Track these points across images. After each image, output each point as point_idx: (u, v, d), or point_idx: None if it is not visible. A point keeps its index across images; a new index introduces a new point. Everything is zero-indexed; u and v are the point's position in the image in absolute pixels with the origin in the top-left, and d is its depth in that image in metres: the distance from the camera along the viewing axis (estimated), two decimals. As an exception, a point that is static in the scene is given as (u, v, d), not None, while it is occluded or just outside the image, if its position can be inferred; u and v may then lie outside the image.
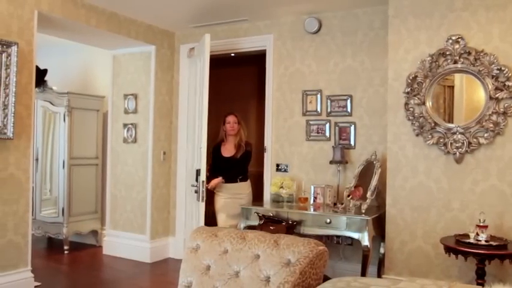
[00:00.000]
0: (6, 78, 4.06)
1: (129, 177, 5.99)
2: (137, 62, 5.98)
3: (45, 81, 6.34)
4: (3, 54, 4.04)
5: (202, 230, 2.62)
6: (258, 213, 4.51)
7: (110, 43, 5.79)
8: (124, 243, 5.96)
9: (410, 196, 4.25)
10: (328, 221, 4.24)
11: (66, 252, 6.14)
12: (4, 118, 4.07)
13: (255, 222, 4.51)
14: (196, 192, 4.87)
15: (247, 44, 5.61)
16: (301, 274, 2.06)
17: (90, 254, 6.20)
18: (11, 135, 4.13)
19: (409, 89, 4.24)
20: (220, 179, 4.99)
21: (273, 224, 4.30)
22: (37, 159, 6.38)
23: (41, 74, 6.06)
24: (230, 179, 5.03)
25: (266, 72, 5.51)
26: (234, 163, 5.04)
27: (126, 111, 6.01)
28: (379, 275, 4.44)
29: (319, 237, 4.27)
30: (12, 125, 4.12)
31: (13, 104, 4.11)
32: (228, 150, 5.11)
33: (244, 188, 5.08)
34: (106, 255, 6.08)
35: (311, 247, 2.23)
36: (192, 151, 5.39)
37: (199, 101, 5.14)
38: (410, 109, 4.24)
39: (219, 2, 4.88)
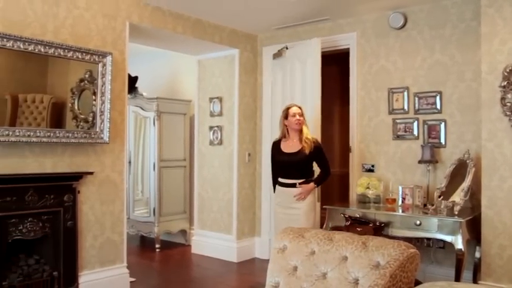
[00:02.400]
0: (102, 86, 4.34)
1: (216, 179, 6.15)
2: (221, 65, 6.13)
3: (136, 87, 6.69)
4: (99, 64, 4.31)
5: (289, 230, 2.63)
6: (344, 215, 4.44)
7: (195, 49, 5.98)
8: (211, 242, 6.13)
9: (510, 197, 3.97)
10: (418, 222, 4.08)
11: (157, 250, 6.43)
12: (101, 124, 4.35)
13: (341, 223, 4.45)
14: None
15: (330, 43, 5.55)
16: (392, 277, 2.00)
17: (179, 252, 6.44)
18: (107, 139, 4.41)
19: (505, 83, 3.97)
20: (312, 184, 4.26)
21: (360, 226, 4.21)
22: (130, 162, 6.73)
23: (132, 81, 6.40)
24: (287, 183, 4.30)
25: (350, 71, 5.41)
26: (296, 161, 4.25)
27: (212, 114, 6.18)
28: (475, 281, 4.20)
29: (408, 240, 4.11)
30: (107, 130, 4.39)
31: (108, 111, 4.38)
32: (289, 146, 4.32)
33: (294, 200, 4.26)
34: (194, 254, 6.28)
35: (401, 249, 2.16)
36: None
37: (310, 102, 5.22)
38: (507, 104, 3.97)
39: (302, 3, 4.87)
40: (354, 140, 5.34)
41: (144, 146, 6.83)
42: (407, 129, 4.95)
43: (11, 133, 3.75)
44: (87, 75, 4.27)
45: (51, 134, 4.01)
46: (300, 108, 4.37)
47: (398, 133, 5.02)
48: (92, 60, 4.26)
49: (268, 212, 5.95)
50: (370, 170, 5.18)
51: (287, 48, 5.74)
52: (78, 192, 4.28)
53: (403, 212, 4.35)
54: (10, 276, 3.79)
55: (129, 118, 6.50)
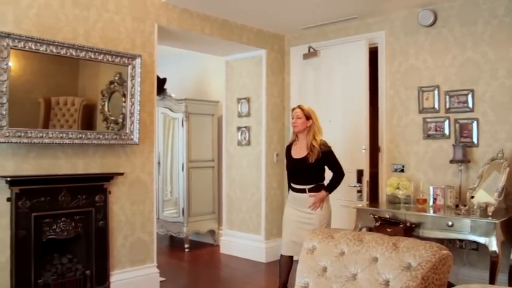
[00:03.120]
0: (131, 88, 4.40)
1: (244, 179, 6.17)
2: (249, 66, 6.15)
3: (164, 89, 6.76)
4: (129, 67, 4.38)
5: (318, 231, 2.61)
6: (373, 215, 4.38)
7: (223, 50, 6.01)
8: (240, 242, 6.15)
9: (545, 197, 3.86)
10: (450, 223, 4.00)
11: (186, 250, 6.48)
12: (131, 125, 4.41)
13: (371, 224, 4.40)
14: (359, 192, 5.16)
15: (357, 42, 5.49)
16: (424, 279, 1.97)
17: (208, 252, 6.48)
18: (137, 140, 4.47)
19: (540, 80, 3.85)
20: (323, 193, 4.10)
21: (390, 226, 4.15)
22: (159, 163, 6.81)
23: (160, 82, 6.47)
24: (297, 188, 4.16)
25: (378, 70, 5.35)
26: (303, 167, 4.10)
27: (240, 115, 6.20)
28: (510, 284, 4.08)
29: (440, 241, 4.02)
30: (137, 131, 4.45)
31: (138, 112, 4.44)
32: (297, 151, 4.18)
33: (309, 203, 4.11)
34: (223, 254, 6.32)
35: (433, 251, 2.12)
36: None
37: (355, 105, 5.27)
38: (543, 102, 3.85)
39: (330, 3, 4.84)
40: (383, 139, 5.28)
41: (172, 146, 6.90)
42: (438, 129, 4.86)
43: (44, 135, 3.84)
44: (116, 78, 4.35)
45: (83, 136, 4.09)
46: (302, 109, 4.15)
47: (429, 132, 4.93)
48: (121, 62, 4.33)
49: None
50: (401, 170, 5.10)
51: (312, 49, 5.72)
52: (109, 192, 4.35)
53: (434, 212, 4.27)
54: (45, 275, 3.88)
55: (158, 119, 6.58)
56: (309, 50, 5.78)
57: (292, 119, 4.23)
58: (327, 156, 4.09)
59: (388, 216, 4.32)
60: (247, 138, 6.11)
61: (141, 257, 4.67)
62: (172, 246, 6.91)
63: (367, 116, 5.22)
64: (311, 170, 4.06)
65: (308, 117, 4.11)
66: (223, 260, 6.07)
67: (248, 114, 6.11)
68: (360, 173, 5.19)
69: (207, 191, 6.78)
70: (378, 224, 4.28)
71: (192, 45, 5.80)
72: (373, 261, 2.28)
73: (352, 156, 5.22)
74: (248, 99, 6.11)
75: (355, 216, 4.64)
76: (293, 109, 4.28)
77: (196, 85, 7.27)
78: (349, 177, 4.91)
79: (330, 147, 4.14)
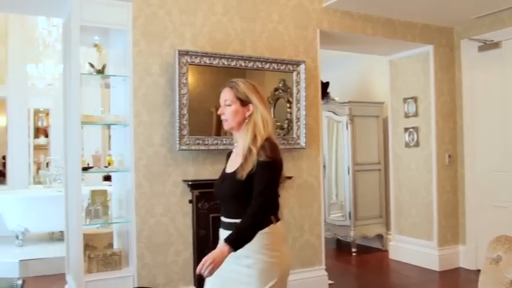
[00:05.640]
0: (297, 94, 4.54)
1: (413, 182, 5.89)
2: (414, 64, 5.86)
3: (327, 93, 6.81)
4: (293, 73, 4.52)
5: (503, 239, 2.37)
6: None
7: (386, 49, 5.84)
8: (410, 249, 5.87)
9: None
10: None
11: (354, 254, 6.41)
12: (297, 130, 4.54)
13: None
14: None
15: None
16: None
17: (376, 257, 6.32)
18: (304, 145, 4.59)
19: None
20: (220, 252, 2.14)
21: None
22: (324, 166, 6.86)
23: (324, 86, 6.52)
24: (224, 223, 2.41)
25: None
26: (229, 188, 2.37)
27: (407, 115, 5.94)
28: None
29: None
30: (304, 135, 4.57)
31: (304, 117, 4.56)
32: (232, 162, 2.45)
33: (249, 248, 2.22)
34: (392, 259, 6.09)
35: None
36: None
37: None
38: None
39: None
40: None
41: (337, 150, 6.91)
42: None
43: (219, 142, 4.16)
44: (281, 84, 4.53)
45: (253, 142, 4.32)
46: (234, 89, 2.37)
47: None
48: (286, 69, 4.49)
49: (474, 217, 5.48)
50: None
51: (486, 42, 5.21)
52: (279, 195, 4.50)
53: None
54: (222, 272, 4.17)
55: (322, 123, 6.66)
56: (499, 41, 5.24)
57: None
58: (258, 169, 2.25)
59: None
60: (415, 139, 5.83)
61: (310, 259, 4.75)
62: (339, 249, 6.89)
63: None
64: (241, 192, 2.29)
65: (244, 101, 2.35)
66: (392, 266, 5.86)
67: (416, 114, 5.83)
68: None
69: (373, 195, 6.64)
70: None
71: (354, 46, 5.74)
72: None
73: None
74: (415, 99, 5.82)
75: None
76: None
77: (359, 87, 7.18)
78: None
79: (275, 154, 2.28)
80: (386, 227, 6.59)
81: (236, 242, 2.13)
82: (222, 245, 2.14)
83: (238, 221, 2.23)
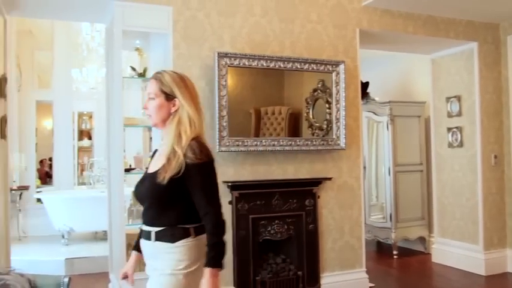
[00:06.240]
0: (336, 94, 4.50)
1: (457, 183, 5.72)
2: (458, 62, 5.70)
3: (367, 93, 6.71)
4: (332, 73, 4.49)
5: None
6: None
7: (428, 47, 5.70)
8: (454, 252, 5.70)
9: None
10: None
11: (395, 256, 6.28)
12: (337, 131, 4.50)
13: None
14: None
15: None
16: None
17: (418, 260, 6.17)
18: (344, 145, 4.54)
19: None
20: (211, 278, 1.98)
21: None
22: (364, 167, 6.76)
23: (363, 86, 6.44)
24: (143, 231, 2.20)
25: None
26: (148, 191, 2.16)
27: (450, 115, 5.78)
28: None
29: None
30: (344, 136, 4.52)
31: (343, 117, 4.51)
32: (155, 161, 2.22)
33: (163, 258, 2.07)
34: (435, 263, 5.94)
35: None
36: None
37: None
38: None
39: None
40: None
41: (377, 150, 6.80)
42: None
43: (258, 143, 4.17)
44: (319, 85, 4.50)
45: (292, 143, 4.32)
46: (158, 81, 2.14)
47: None
48: (325, 70, 4.46)
49: (521, 220, 5.28)
50: None
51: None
52: (318, 197, 4.49)
53: None
54: (262, 273, 4.20)
55: (362, 123, 6.58)
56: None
57: None
58: (190, 174, 2.03)
59: None
60: (459, 139, 5.67)
61: (350, 261, 4.69)
62: (380, 252, 6.77)
63: None
64: (160, 197, 2.09)
65: (170, 95, 2.12)
66: (435, 270, 5.71)
67: (459, 114, 5.66)
68: None
69: (415, 196, 6.49)
70: None
71: (395, 45, 5.63)
72: None
73: None
74: (459, 98, 5.66)
75: None
76: None
77: (399, 86, 7.05)
78: None
79: (205, 155, 2.07)
80: (429, 230, 6.44)
81: (218, 261, 1.98)
82: (207, 271, 1.96)
83: (153, 229, 2.09)
